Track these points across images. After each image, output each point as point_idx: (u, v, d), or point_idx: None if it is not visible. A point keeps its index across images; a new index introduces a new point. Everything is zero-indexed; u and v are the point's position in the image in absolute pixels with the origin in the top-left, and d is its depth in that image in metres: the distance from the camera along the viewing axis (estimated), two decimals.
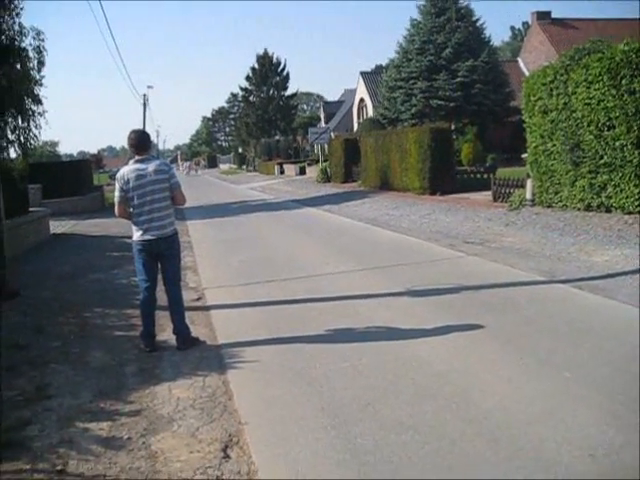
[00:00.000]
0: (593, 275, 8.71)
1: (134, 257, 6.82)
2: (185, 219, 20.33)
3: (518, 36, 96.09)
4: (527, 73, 33.89)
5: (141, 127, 44.48)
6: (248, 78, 76.01)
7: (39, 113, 17.78)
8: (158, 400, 5.34)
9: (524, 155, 20.94)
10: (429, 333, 6.53)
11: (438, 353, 5.97)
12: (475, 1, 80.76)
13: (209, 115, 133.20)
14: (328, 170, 36.27)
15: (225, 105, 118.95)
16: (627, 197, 12.35)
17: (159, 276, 6.86)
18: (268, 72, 74.68)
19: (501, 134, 35.10)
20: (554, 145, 14.36)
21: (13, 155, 18.35)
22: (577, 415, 4.42)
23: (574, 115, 13.52)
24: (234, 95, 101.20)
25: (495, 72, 36.62)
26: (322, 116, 68.94)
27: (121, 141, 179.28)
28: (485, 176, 21.87)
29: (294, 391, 5.31)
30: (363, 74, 54.25)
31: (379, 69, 58.23)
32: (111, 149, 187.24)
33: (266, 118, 74.12)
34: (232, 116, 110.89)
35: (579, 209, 13.72)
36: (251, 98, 76.64)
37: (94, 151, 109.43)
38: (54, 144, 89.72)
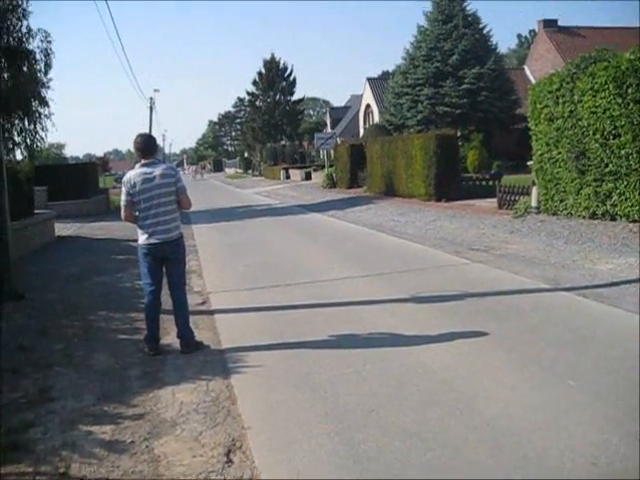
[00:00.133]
0: (597, 283, 8.69)
1: (139, 261, 6.84)
2: (190, 223, 20.35)
3: (524, 44, 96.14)
4: (533, 81, 33.92)
5: (147, 131, 44.56)
6: (255, 83, 76.09)
7: (45, 115, 17.89)
8: (161, 404, 5.34)
9: (529, 162, 20.89)
10: (433, 340, 6.53)
11: (442, 360, 5.96)
12: (483, 0, 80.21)
13: (215, 119, 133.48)
14: (334, 175, 36.27)
15: (231, 109, 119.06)
16: (632, 205, 12.34)
17: (164, 280, 6.87)
18: (275, 77, 74.74)
19: (507, 141, 35.10)
20: (560, 153, 14.35)
21: (19, 157, 18.44)
22: (580, 423, 4.41)
23: (580, 123, 13.52)
24: (241, 99, 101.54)
25: (501, 79, 36.64)
26: (328, 121, 69.02)
27: (127, 144, 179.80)
28: (490, 183, 21.89)
29: (298, 396, 5.30)
30: (370, 80, 54.32)
31: (386, 75, 58.34)
32: (117, 152, 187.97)
33: (272, 123, 74.17)
34: (238, 120, 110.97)
35: (584, 217, 13.71)
36: (257, 103, 76.70)
37: (100, 154, 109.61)
38: (60, 146, 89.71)
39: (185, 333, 6.82)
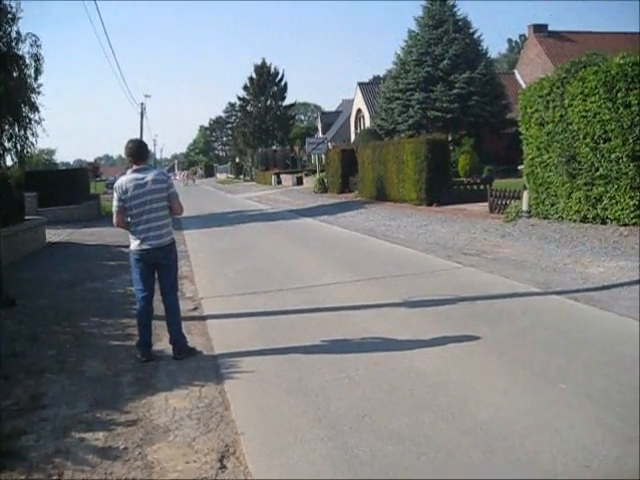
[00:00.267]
0: (589, 287, 8.73)
1: (131, 266, 6.83)
2: (182, 228, 20.32)
3: (515, 48, 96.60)
4: (524, 85, 34.03)
5: (138, 136, 44.50)
6: (246, 88, 76.06)
7: (36, 121, 17.80)
8: (154, 410, 5.33)
9: (520, 167, 21.00)
10: (426, 344, 6.54)
11: (435, 364, 5.97)
12: (473, 4, 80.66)
13: (206, 124, 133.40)
14: (325, 180, 36.32)
15: (222, 114, 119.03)
16: (623, 209, 12.41)
17: (156, 286, 6.87)
18: (266, 82, 74.74)
19: (497, 146, 35.21)
20: (550, 157, 14.41)
21: (9, 163, 18.36)
22: (573, 426, 4.42)
23: (570, 127, 13.58)
24: (232, 105, 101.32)
25: (492, 84, 36.76)
26: (319, 126, 69.04)
27: (118, 150, 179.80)
28: (481, 187, 21.97)
29: (290, 402, 5.30)
30: (361, 85, 54.39)
31: (377, 80, 58.37)
32: (108, 158, 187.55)
33: (263, 128, 74.15)
34: (229, 126, 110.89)
35: (575, 221, 13.77)
36: (249, 108, 76.65)
37: (91, 159, 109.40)
38: (51, 152, 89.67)
39: (178, 339, 6.81)
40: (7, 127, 16.93)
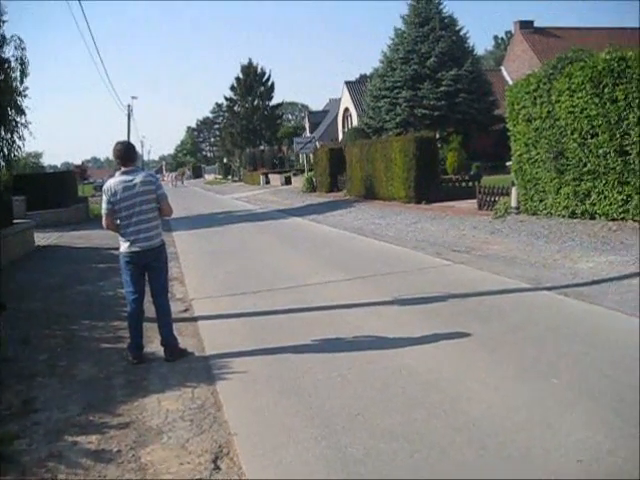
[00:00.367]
0: (578, 282, 8.77)
1: (121, 269, 6.81)
2: (171, 230, 20.26)
3: (501, 45, 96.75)
4: (510, 82, 34.18)
5: (125, 138, 44.34)
6: (233, 88, 76.03)
7: (22, 124, 17.66)
8: (147, 412, 5.32)
9: (508, 163, 21.09)
10: (417, 342, 6.56)
11: (426, 361, 5.99)
12: (459, 2, 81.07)
13: (194, 125, 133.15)
14: (313, 180, 36.34)
15: (210, 115, 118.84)
16: (611, 204, 12.47)
17: (147, 288, 6.85)
18: (253, 82, 74.72)
19: (485, 142, 35.34)
20: (538, 153, 14.48)
21: None
22: (564, 421, 4.45)
23: (558, 123, 13.65)
24: (219, 105, 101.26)
25: (479, 81, 36.88)
26: (307, 126, 69.10)
27: (105, 152, 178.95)
28: (470, 184, 22.03)
29: (283, 401, 5.31)
30: (348, 83, 54.48)
31: (363, 78, 58.41)
32: (95, 160, 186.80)
33: (251, 128, 74.13)
34: (217, 126, 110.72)
35: (564, 216, 13.83)
36: (236, 108, 76.62)
37: (78, 162, 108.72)
38: (38, 155, 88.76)
39: (169, 341, 6.80)
40: None
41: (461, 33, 38.50)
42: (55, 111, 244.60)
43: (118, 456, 4.52)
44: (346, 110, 54.11)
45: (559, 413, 4.58)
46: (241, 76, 75.16)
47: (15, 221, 16.94)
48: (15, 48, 17.03)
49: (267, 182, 53.36)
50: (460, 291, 8.67)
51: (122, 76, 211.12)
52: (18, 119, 17.41)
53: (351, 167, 28.43)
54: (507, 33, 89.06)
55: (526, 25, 43.95)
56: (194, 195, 50.63)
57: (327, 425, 4.73)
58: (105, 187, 6.67)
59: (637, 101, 11.75)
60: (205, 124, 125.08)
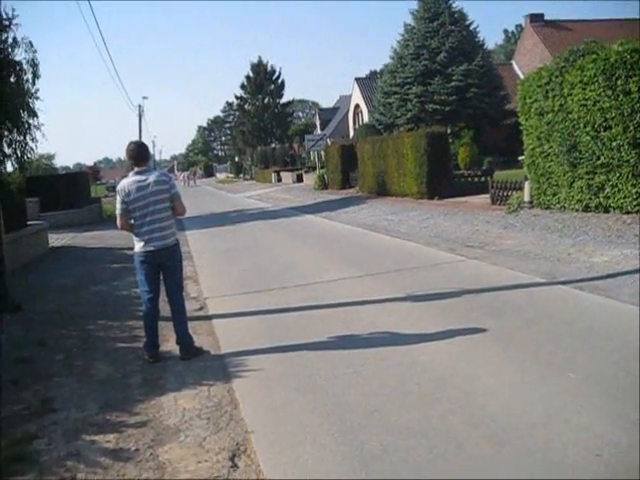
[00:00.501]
0: (593, 275, 8.72)
1: (136, 269, 6.84)
2: (184, 229, 20.32)
3: (511, 39, 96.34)
4: (521, 76, 34.02)
5: (137, 138, 44.49)
6: (243, 87, 76.11)
7: (35, 126, 17.76)
8: (164, 411, 5.34)
9: (521, 157, 20.99)
10: (432, 337, 6.55)
11: (441, 357, 5.98)
12: (469, 0, 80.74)
13: (205, 124, 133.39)
14: (325, 177, 36.31)
15: (220, 114, 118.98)
16: (625, 197, 12.38)
17: (161, 287, 6.88)
18: (263, 80, 74.78)
19: (497, 137, 35.15)
20: (551, 147, 14.40)
21: (10, 169, 18.35)
22: (582, 416, 4.43)
23: (570, 116, 13.56)
24: (229, 104, 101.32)
25: (490, 75, 36.68)
26: (317, 123, 69.00)
27: (117, 152, 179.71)
28: (482, 179, 21.95)
29: (299, 398, 5.31)
30: (358, 80, 54.33)
31: (373, 75, 58.27)
32: (107, 161, 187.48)
33: (262, 126, 74.19)
34: (228, 125, 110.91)
35: (577, 210, 13.75)
36: (246, 106, 76.68)
37: (90, 163, 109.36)
38: (50, 157, 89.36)
39: (184, 339, 6.82)
40: (6, 133, 16.90)
41: (471, 28, 38.25)
42: (67, 112, 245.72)
43: (136, 455, 4.54)
44: (357, 107, 54.00)
45: (577, 408, 4.56)
46: (251, 74, 75.23)
47: (29, 222, 17.05)
48: (26, 51, 17.13)
49: (279, 180, 53.38)
50: (474, 286, 8.65)
51: (133, 76, 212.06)
52: (30, 121, 17.52)
53: (363, 163, 28.40)
54: (517, 27, 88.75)
55: (536, 18, 43.63)
56: (206, 194, 50.73)
57: (343, 422, 4.73)
58: (119, 187, 6.70)
59: None
60: (216, 123, 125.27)
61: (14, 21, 16.46)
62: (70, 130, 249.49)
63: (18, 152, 17.36)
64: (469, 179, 23.59)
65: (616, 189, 12.59)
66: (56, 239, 20.05)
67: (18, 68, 16.98)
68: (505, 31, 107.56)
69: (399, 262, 11.08)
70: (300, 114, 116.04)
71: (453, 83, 35.48)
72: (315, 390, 5.45)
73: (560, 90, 13.89)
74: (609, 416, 4.38)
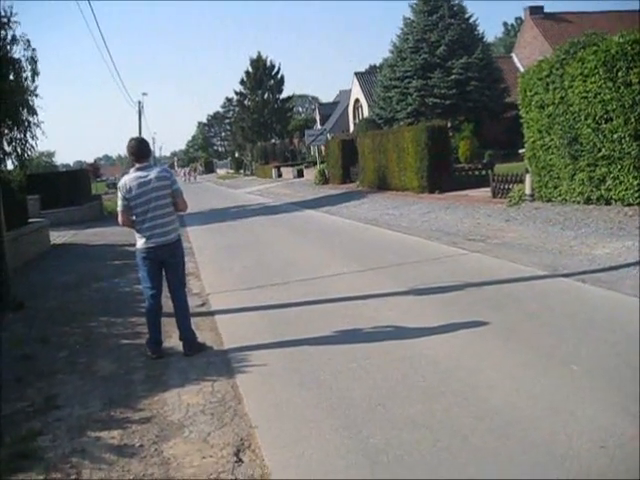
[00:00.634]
0: (595, 268, 8.72)
1: (138, 265, 6.84)
2: (185, 225, 20.31)
3: (511, 32, 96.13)
4: (521, 68, 33.96)
5: (137, 135, 44.41)
6: (243, 82, 76.05)
7: (35, 124, 17.74)
8: (168, 407, 5.34)
9: (521, 150, 20.95)
10: (435, 331, 6.54)
11: (445, 351, 5.98)
12: None
13: (204, 120, 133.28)
14: (326, 172, 36.29)
15: (220, 110, 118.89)
16: (626, 189, 12.37)
17: (164, 283, 6.88)
18: (262, 76, 74.72)
19: (497, 130, 35.12)
20: (552, 139, 14.38)
21: (10, 166, 18.34)
22: (586, 407, 4.43)
23: (571, 109, 13.54)
24: (229, 100, 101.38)
25: (490, 68, 36.64)
26: (317, 118, 68.91)
27: (117, 150, 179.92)
28: (483, 172, 21.92)
29: (303, 393, 5.32)
30: (357, 74, 54.22)
31: (373, 69, 58.23)
32: (107, 158, 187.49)
33: (262, 122, 74.16)
34: (227, 121, 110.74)
35: (579, 202, 13.74)
36: (246, 102, 76.64)
37: (90, 160, 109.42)
38: (50, 154, 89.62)
39: (187, 335, 6.82)
40: (6, 131, 16.89)
41: (470, 21, 38.22)
42: (66, 110, 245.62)
43: (141, 451, 4.54)
44: (357, 101, 53.92)
45: (580, 400, 4.56)
46: (251, 70, 75.17)
47: (30, 220, 17.07)
48: (25, 49, 17.11)
49: (279, 175, 53.34)
50: (476, 280, 8.64)
51: (132, 74, 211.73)
52: (30, 119, 17.50)
53: (363, 158, 28.37)
54: (517, 19, 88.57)
55: (536, 11, 43.52)
56: (207, 190, 50.71)
57: (348, 416, 4.73)
58: (120, 184, 6.69)
59: None
60: (216, 119, 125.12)
61: (13, 18, 16.45)
62: (70, 128, 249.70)
63: (18, 150, 17.34)
64: (470, 172, 23.54)
65: (617, 181, 12.58)
66: (57, 236, 20.06)
67: (17, 65, 16.96)
68: (505, 24, 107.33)
69: (401, 256, 11.07)
70: (300, 109, 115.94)
71: (453, 76, 35.45)
72: (319, 385, 5.45)
73: (561, 82, 13.86)
74: (613, 408, 4.38)
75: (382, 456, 4.08)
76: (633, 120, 11.98)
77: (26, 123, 17.36)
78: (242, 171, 77.78)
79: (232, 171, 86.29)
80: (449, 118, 33.88)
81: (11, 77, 16.83)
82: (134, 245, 6.85)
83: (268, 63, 75.48)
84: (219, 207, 29.05)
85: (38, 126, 17.85)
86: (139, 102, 55.43)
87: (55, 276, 12.65)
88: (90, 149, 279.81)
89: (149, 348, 6.83)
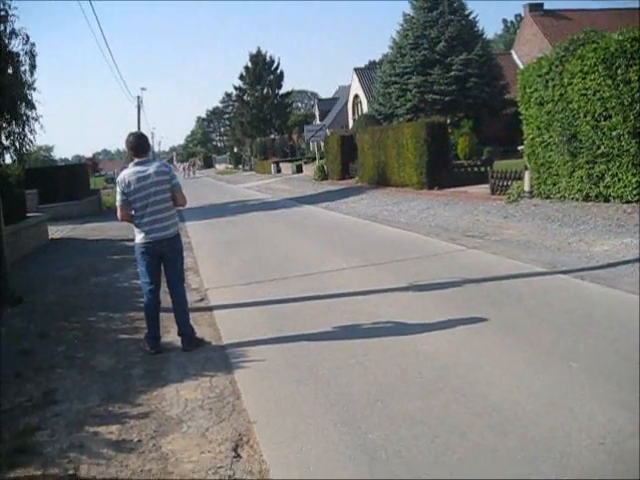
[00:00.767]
0: (594, 265, 8.73)
1: (137, 260, 6.83)
2: (184, 220, 20.30)
3: (511, 28, 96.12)
4: (521, 65, 33.95)
5: (136, 130, 44.34)
6: (242, 77, 75.84)
7: (33, 118, 17.70)
8: (166, 402, 5.34)
9: (520, 147, 20.94)
10: (433, 327, 6.55)
11: (443, 347, 5.98)
12: None
13: (204, 115, 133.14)
14: (325, 167, 36.22)
15: (219, 105, 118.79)
16: (625, 186, 12.37)
17: (162, 278, 6.87)
18: (262, 71, 74.51)
19: (496, 127, 35.07)
20: (551, 136, 14.37)
21: (8, 161, 18.31)
22: (585, 404, 4.43)
23: (570, 106, 13.53)
24: (228, 95, 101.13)
25: (489, 65, 36.59)
26: (317, 113, 68.89)
27: (116, 144, 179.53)
28: (482, 169, 21.88)
29: (301, 389, 5.32)
30: (357, 70, 54.17)
31: (373, 65, 58.12)
32: (106, 152, 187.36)
33: (261, 117, 73.98)
34: (227, 116, 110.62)
35: (577, 200, 13.73)
36: (245, 97, 76.43)
37: (89, 155, 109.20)
38: (49, 149, 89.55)
39: (186, 330, 6.82)
40: (5, 125, 16.86)
41: (470, 17, 38.15)
42: (65, 104, 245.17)
43: (139, 446, 4.54)
44: (356, 97, 53.87)
45: (579, 396, 4.57)
46: (250, 65, 74.94)
47: (28, 214, 17.05)
48: (24, 43, 17.07)
49: (278, 171, 53.26)
50: (475, 276, 8.65)
51: (131, 69, 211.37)
52: (29, 113, 17.46)
53: (362, 154, 28.33)
54: (516, 16, 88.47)
55: (536, 8, 43.45)
56: (205, 185, 50.65)
57: (346, 411, 4.74)
58: (119, 179, 6.68)
59: None
60: (215, 114, 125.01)
61: (11, 12, 16.40)
62: (69, 122, 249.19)
63: (17, 144, 17.30)
64: (469, 169, 23.52)
65: (616, 178, 12.57)
66: (56, 231, 20.04)
67: (16, 59, 16.92)
68: (504, 21, 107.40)
69: (400, 252, 11.07)
70: (299, 105, 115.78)
71: (452, 73, 35.39)
72: (317, 380, 5.46)
73: (560, 79, 13.85)
74: (612, 404, 4.38)
75: (381, 452, 4.08)
76: (632, 118, 11.97)
77: (24, 117, 17.32)
78: (241, 166, 77.64)
79: (231, 166, 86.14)
80: (448, 114, 33.83)
81: (9, 71, 16.80)
82: (133, 240, 6.85)
83: (267, 58, 75.24)
84: (218, 202, 29.03)
85: (36, 120, 17.81)
86: (138, 97, 55.36)
87: (53, 271, 12.64)
88: (89, 144, 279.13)
89: (148, 343, 6.83)
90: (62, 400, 5.54)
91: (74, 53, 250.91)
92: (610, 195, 12.84)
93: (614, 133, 12.37)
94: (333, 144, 33.98)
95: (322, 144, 41.11)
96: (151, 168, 6.56)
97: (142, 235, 6.58)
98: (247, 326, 7.44)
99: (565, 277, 8.23)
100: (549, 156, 14.55)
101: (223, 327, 7.51)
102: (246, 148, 76.10)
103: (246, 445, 4.43)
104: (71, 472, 4.23)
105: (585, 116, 13.09)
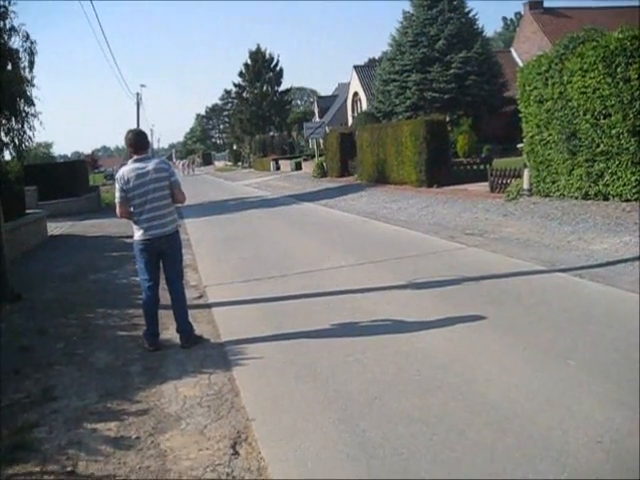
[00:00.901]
0: (593, 263, 8.72)
1: (135, 257, 6.82)
2: (183, 217, 20.26)
3: (510, 26, 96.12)
4: (521, 63, 33.88)
5: (135, 126, 44.31)
6: (241, 74, 75.80)
7: (32, 114, 17.73)
8: (165, 399, 5.34)
9: (520, 145, 20.96)
10: (432, 325, 6.54)
11: (442, 345, 5.98)
12: None
13: (203, 112, 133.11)
14: (324, 165, 36.23)
15: (219, 102, 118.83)
16: (624, 185, 12.38)
17: (161, 275, 6.87)
18: (261, 68, 74.47)
19: (496, 125, 35.09)
20: (550, 134, 14.37)
21: (8, 157, 18.31)
22: (583, 402, 4.44)
23: (570, 104, 13.53)
24: (227, 92, 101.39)
25: (489, 63, 36.60)
26: (316, 111, 68.84)
27: (115, 141, 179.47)
28: (481, 167, 21.88)
29: (300, 386, 5.32)
30: (356, 68, 54.17)
31: (372, 62, 58.17)
32: (105, 149, 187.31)
33: (260, 114, 73.96)
34: (226, 113, 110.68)
35: (577, 198, 13.74)
36: (245, 94, 76.41)
37: (88, 151, 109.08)
38: (48, 145, 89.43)
39: (184, 327, 6.82)
40: (4, 121, 16.87)
41: (470, 15, 38.15)
42: (64, 101, 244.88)
43: (137, 443, 4.54)
44: (355, 94, 53.85)
45: (577, 395, 4.57)
46: (249, 62, 74.90)
47: (28, 211, 17.04)
48: (24, 40, 17.08)
49: (277, 168, 53.25)
50: (474, 274, 8.64)
51: (131, 66, 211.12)
52: (28, 109, 17.49)
53: (362, 151, 28.33)
54: (516, 14, 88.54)
55: (535, 5, 43.42)
56: (205, 182, 50.64)
57: (344, 409, 4.74)
58: (118, 175, 6.67)
59: None
60: (214, 111, 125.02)
61: (11, 8, 16.41)
62: (68, 119, 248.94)
63: (16, 140, 17.33)
64: (468, 167, 23.51)
65: (615, 177, 12.58)
66: (55, 228, 20.05)
67: (15, 56, 16.93)
68: (504, 19, 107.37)
69: (399, 250, 11.07)
70: (298, 102, 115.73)
71: (452, 71, 35.41)
72: (316, 378, 5.46)
73: (560, 77, 13.85)
74: (610, 403, 4.38)
75: (379, 449, 4.08)
76: (632, 116, 11.98)
77: (23, 114, 17.34)
78: (240, 163, 77.62)
79: (230, 163, 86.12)
80: (448, 112, 33.82)
81: (9, 67, 16.80)
82: (132, 237, 6.84)
83: (267, 55, 75.19)
84: (217, 199, 29.02)
85: (36, 117, 17.85)
86: (137, 94, 55.28)
87: (52, 267, 12.64)
88: (88, 140, 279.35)
89: (146, 340, 6.83)
90: (61, 397, 5.54)
91: (74, 50, 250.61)
92: (609, 193, 12.85)
93: (613, 131, 12.38)
94: (332, 142, 33.99)
95: (321, 141, 41.11)
96: (150, 165, 6.55)
97: (141, 232, 6.57)
98: (246, 323, 7.44)
99: (564, 275, 8.23)
100: (548, 154, 14.56)
101: (222, 324, 7.51)
102: (245, 145, 76.05)
103: (244, 442, 4.43)
104: (69, 469, 4.22)
105: (585, 114, 13.09)
